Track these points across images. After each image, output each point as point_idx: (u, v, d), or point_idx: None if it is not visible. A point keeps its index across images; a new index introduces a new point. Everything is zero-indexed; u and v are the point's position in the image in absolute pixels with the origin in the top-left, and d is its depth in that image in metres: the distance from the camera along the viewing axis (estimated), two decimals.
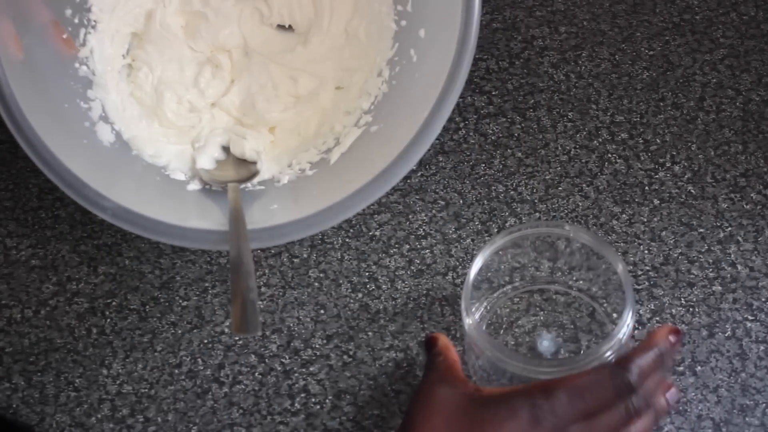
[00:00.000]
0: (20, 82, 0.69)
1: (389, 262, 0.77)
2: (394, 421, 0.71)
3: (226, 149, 0.78)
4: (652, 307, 0.74)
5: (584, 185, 0.79)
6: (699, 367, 0.72)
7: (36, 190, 0.80)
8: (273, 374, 0.73)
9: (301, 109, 0.80)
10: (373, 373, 0.73)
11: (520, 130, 0.82)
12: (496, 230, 0.77)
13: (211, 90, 0.80)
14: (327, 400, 0.72)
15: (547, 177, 0.79)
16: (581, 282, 0.73)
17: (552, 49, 0.85)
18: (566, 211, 0.78)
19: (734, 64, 0.84)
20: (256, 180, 0.76)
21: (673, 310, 0.74)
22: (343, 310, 0.75)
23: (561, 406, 0.60)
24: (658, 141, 0.81)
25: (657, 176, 0.79)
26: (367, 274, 0.76)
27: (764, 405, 0.70)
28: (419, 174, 0.80)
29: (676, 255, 0.76)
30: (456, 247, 0.77)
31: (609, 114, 0.82)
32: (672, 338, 0.63)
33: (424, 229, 0.78)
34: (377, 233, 0.78)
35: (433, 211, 0.78)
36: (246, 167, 0.77)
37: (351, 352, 0.73)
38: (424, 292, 0.75)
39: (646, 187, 0.79)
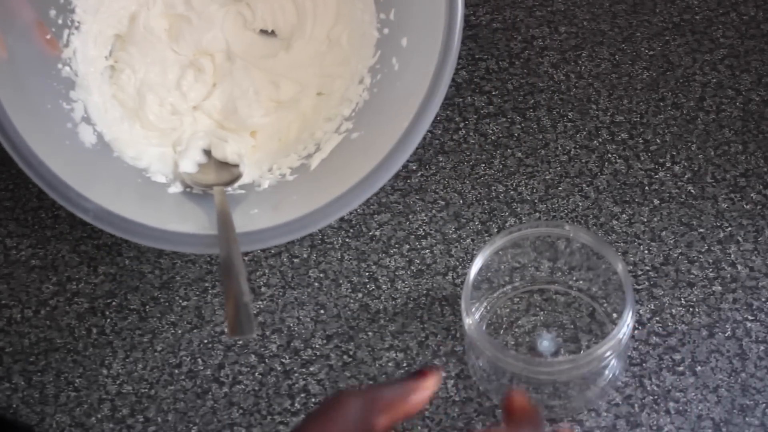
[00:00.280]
0: (3, 82, 0.69)
1: (389, 262, 0.77)
2: None
3: (207, 153, 0.78)
4: (652, 307, 0.74)
5: (584, 185, 0.79)
6: (699, 367, 0.72)
7: (36, 190, 0.80)
8: (273, 374, 0.73)
9: (282, 114, 0.80)
10: (373, 373, 0.73)
11: (520, 130, 0.82)
12: (496, 230, 0.77)
13: (193, 93, 0.80)
14: None
15: (547, 177, 0.79)
16: (581, 282, 0.73)
17: (552, 49, 0.85)
18: (566, 211, 0.78)
19: (734, 64, 0.84)
20: (237, 184, 0.76)
21: (673, 310, 0.74)
22: (343, 310, 0.75)
23: None
24: (658, 141, 0.81)
25: (657, 176, 0.79)
26: (367, 274, 0.76)
27: (764, 405, 0.70)
28: (419, 174, 0.80)
29: (676, 255, 0.76)
30: (456, 247, 0.77)
31: (609, 114, 0.82)
32: None
33: (424, 229, 0.78)
34: (377, 233, 0.78)
35: (433, 211, 0.78)
36: (228, 171, 0.77)
37: (351, 352, 0.73)
38: (424, 292, 0.75)
39: (646, 187, 0.79)
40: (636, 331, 0.72)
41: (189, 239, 0.70)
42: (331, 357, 0.73)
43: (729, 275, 0.75)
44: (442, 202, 0.79)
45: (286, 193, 0.75)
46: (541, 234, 0.71)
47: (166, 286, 0.76)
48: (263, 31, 0.82)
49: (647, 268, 0.75)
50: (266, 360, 0.73)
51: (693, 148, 0.80)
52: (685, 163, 0.80)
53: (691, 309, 0.74)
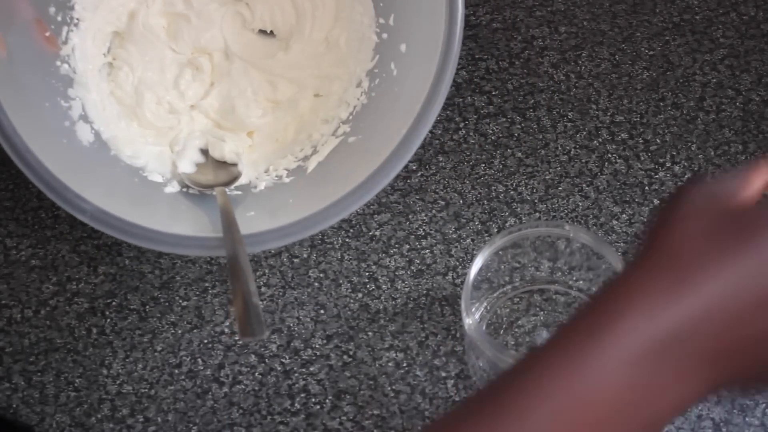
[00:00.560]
0: (2, 81, 0.69)
1: (389, 262, 0.77)
2: (394, 421, 0.71)
3: (205, 152, 0.78)
4: None
5: (584, 185, 0.79)
6: None
7: (36, 190, 0.79)
8: (273, 374, 0.73)
9: (280, 114, 0.80)
10: (373, 373, 0.73)
11: (520, 130, 0.82)
12: (496, 230, 0.77)
13: (190, 92, 0.80)
14: (327, 400, 0.72)
15: (547, 177, 0.79)
16: (581, 282, 0.73)
17: (552, 49, 0.85)
18: (566, 211, 0.78)
19: (734, 64, 0.84)
20: (235, 184, 0.76)
21: None
22: (343, 310, 0.75)
23: None
24: (658, 141, 0.81)
25: (657, 176, 0.79)
26: (367, 274, 0.76)
27: (764, 405, 0.70)
28: (419, 174, 0.80)
29: None
30: (456, 247, 0.77)
31: (609, 114, 0.82)
32: None
33: (424, 229, 0.78)
34: (377, 233, 0.78)
35: (433, 211, 0.78)
36: (226, 170, 0.77)
37: (351, 352, 0.73)
38: (424, 292, 0.75)
39: (646, 187, 0.79)
40: None
41: (189, 241, 0.70)
42: (331, 357, 0.73)
43: None
44: (442, 202, 0.79)
45: (283, 195, 0.75)
46: (541, 234, 0.71)
47: (166, 286, 0.76)
48: (262, 32, 0.82)
49: None
50: (266, 360, 0.73)
51: (693, 148, 0.80)
52: (685, 163, 0.80)
53: None
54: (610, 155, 0.80)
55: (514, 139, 0.81)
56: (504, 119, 0.82)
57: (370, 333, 0.74)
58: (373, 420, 0.71)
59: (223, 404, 0.72)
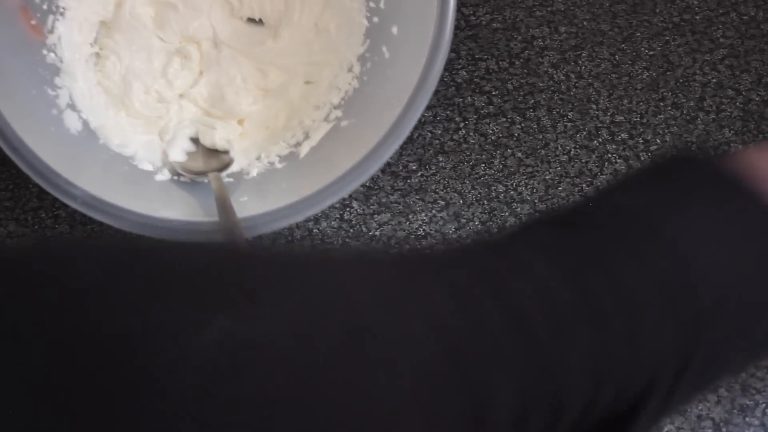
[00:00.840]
0: None
1: None
2: None
3: (195, 141, 0.78)
4: None
5: (584, 185, 0.79)
6: None
7: (36, 190, 0.80)
8: None
9: (271, 102, 0.79)
10: None
11: (520, 130, 0.82)
12: (496, 230, 0.77)
13: (179, 81, 0.80)
14: None
15: (547, 177, 0.79)
16: None
17: (552, 49, 0.85)
18: None
19: (734, 64, 0.84)
20: (227, 171, 0.76)
21: None
22: None
23: None
24: (658, 141, 0.81)
25: None
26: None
27: (764, 405, 0.70)
28: (419, 174, 0.80)
29: None
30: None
31: (609, 114, 0.82)
32: None
33: (424, 229, 0.78)
34: (377, 233, 0.78)
35: (433, 211, 0.78)
36: (217, 158, 0.77)
37: None
38: None
39: None
40: None
41: (183, 226, 0.69)
42: None
43: None
44: (442, 202, 0.79)
45: (276, 181, 0.75)
46: None
47: None
48: (251, 20, 0.82)
49: None
50: None
51: (693, 148, 0.80)
52: None
53: None
54: (610, 155, 0.80)
55: (514, 139, 0.81)
56: (504, 119, 0.82)
57: None
58: None
59: None
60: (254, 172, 0.76)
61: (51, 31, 0.77)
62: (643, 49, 0.85)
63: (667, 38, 0.85)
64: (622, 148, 0.80)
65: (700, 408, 0.70)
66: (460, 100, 0.82)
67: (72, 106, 0.75)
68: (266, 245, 0.59)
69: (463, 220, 0.78)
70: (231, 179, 0.76)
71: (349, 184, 0.70)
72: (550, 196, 0.79)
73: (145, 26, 0.80)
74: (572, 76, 0.84)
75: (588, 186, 0.79)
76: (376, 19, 0.78)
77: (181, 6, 0.80)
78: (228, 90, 0.79)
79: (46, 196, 0.79)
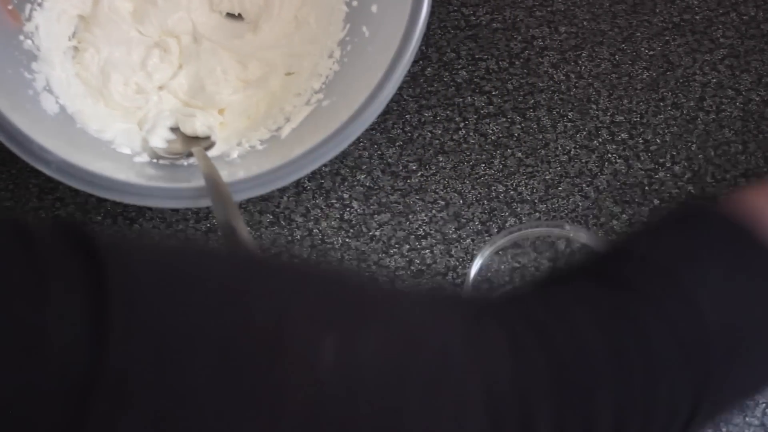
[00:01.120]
0: None
1: (389, 262, 0.77)
2: None
3: (174, 130, 0.77)
4: None
5: (584, 185, 0.79)
6: None
7: (36, 190, 0.79)
8: None
9: (251, 92, 0.79)
10: None
11: (520, 130, 0.82)
12: (496, 230, 0.77)
13: (158, 74, 0.79)
14: None
15: (547, 177, 0.79)
16: None
17: (552, 49, 0.85)
18: (566, 211, 0.78)
19: (734, 64, 0.84)
20: (209, 153, 0.76)
21: None
22: None
23: None
24: (658, 141, 0.81)
25: (657, 176, 0.79)
26: (367, 274, 0.76)
27: (764, 405, 0.70)
28: (419, 174, 0.80)
29: None
30: (456, 247, 0.77)
31: (609, 114, 0.82)
32: None
33: (424, 229, 0.78)
34: (377, 233, 0.78)
35: (433, 211, 0.78)
36: (197, 143, 0.76)
37: None
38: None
39: (646, 187, 0.79)
40: None
41: (162, 192, 0.69)
42: None
43: None
44: (442, 202, 0.79)
45: (257, 159, 0.75)
46: (541, 234, 0.71)
47: None
48: (230, 15, 0.82)
49: None
50: None
51: (693, 148, 0.80)
52: (685, 163, 0.80)
53: None
54: (610, 155, 0.80)
55: (514, 139, 0.81)
56: (504, 119, 0.82)
57: None
58: None
59: None
60: (235, 155, 0.76)
61: (28, 20, 0.76)
62: (643, 49, 0.85)
63: (667, 38, 0.85)
64: (622, 148, 0.80)
65: None
66: (460, 100, 0.82)
67: (49, 90, 0.75)
68: (354, 271, 0.62)
69: (463, 220, 0.78)
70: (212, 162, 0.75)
71: (333, 148, 0.70)
72: (550, 196, 0.79)
73: (124, 20, 0.80)
74: (572, 76, 0.84)
75: (588, 186, 0.79)
76: (355, 3, 0.78)
77: (160, 0, 0.80)
78: (208, 81, 0.78)
79: (46, 197, 0.79)
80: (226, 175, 0.71)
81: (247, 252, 0.62)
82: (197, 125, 0.77)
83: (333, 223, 0.78)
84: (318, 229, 0.77)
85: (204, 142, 0.77)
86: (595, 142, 0.81)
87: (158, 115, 0.78)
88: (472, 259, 0.70)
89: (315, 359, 0.39)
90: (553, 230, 0.71)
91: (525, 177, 0.80)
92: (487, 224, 0.78)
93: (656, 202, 0.78)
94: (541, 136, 0.81)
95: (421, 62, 0.83)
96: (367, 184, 0.79)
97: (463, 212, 0.78)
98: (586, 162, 0.80)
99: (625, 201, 0.78)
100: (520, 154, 0.81)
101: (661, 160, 0.80)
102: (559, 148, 0.81)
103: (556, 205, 0.78)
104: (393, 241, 0.77)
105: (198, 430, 0.38)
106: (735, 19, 0.86)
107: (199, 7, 0.81)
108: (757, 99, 0.82)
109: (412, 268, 0.76)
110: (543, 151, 0.81)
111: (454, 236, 0.77)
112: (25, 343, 0.36)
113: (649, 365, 0.46)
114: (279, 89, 0.79)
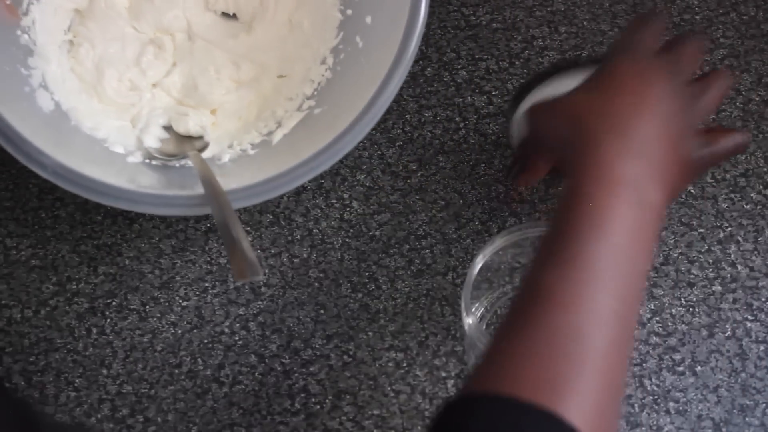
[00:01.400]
0: None
1: (389, 262, 0.77)
2: (394, 421, 0.71)
3: (167, 129, 0.78)
4: (652, 307, 0.74)
5: None
6: (699, 367, 0.72)
7: (36, 190, 0.80)
8: (273, 374, 0.73)
9: (243, 93, 0.80)
10: (373, 373, 0.73)
11: None
12: (496, 230, 0.77)
13: (152, 71, 0.80)
14: (327, 400, 0.72)
15: (547, 177, 0.79)
16: None
17: (552, 49, 0.85)
18: None
19: (734, 64, 0.84)
20: (202, 154, 0.76)
21: (673, 310, 0.74)
22: (343, 310, 0.75)
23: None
24: None
25: None
26: (367, 274, 0.76)
27: (764, 405, 0.70)
28: (419, 174, 0.80)
29: (676, 255, 0.76)
30: (456, 247, 0.77)
31: None
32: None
33: (424, 229, 0.78)
34: (377, 233, 0.78)
35: (433, 211, 0.78)
36: (191, 144, 0.77)
37: (351, 352, 0.73)
38: (424, 292, 0.75)
39: None
40: (636, 331, 0.72)
41: (155, 200, 0.69)
42: (331, 357, 0.73)
43: (729, 275, 0.75)
44: (442, 202, 0.79)
45: (248, 164, 0.75)
46: (541, 234, 0.71)
47: (166, 286, 0.76)
48: (225, 14, 0.82)
49: None
50: (266, 360, 0.73)
51: None
52: None
53: (691, 309, 0.74)
54: None
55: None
56: (504, 119, 0.82)
57: (370, 333, 0.74)
58: (373, 420, 0.71)
59: (224, 404, 0.72)
60: (226, 158, 0.76)
61: (25, 14, 0.77)
62: None
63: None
64: None
65: (700, 408, 0.70)
66: (460, 100, 0.82)
67: (44, 86, 0.75)
68: None
69: (463, 220, 0.78)
70: None
71: (323, 163, 0.70)
72: (550, 196, 0.79)
73: (120, 15, 0.80)
74: None
75: None
76: (349, 12, 0.78)
77: None
78: (201, 80, 0.79)
79: (46, 197, 0.79)
80: (219, 182, 0.71)
81: None
82: (190, 124, 0.77)
83: (333, 223, 0.78)
84: (318, 229, 0.78)
85: (197, 142, 0.77)
86: None
87: (151, 112, 0.78)
88: (472, 259, 0.70)
89: None
90: None
91: None
92: (487, 224, 0.78)
93: None
94: None
95: (421, 62, 0.83)
96: (367, 184, 0.79)
97: (463, 212, 0.78)
98: None
99: None
100: None
101: None
102: None
103: (556, 205, 0.78)
104: (393, 241, 0.77)
105: None
106: (735, 19, 0.86)
107: (195, 6, 0.81)
108: (757, 99, 0.82)
109: (412, 268, 0.76)
110: None
111: (454, 236, 0.77)
112: None
113: None
114: (271, 92, 0.80)
